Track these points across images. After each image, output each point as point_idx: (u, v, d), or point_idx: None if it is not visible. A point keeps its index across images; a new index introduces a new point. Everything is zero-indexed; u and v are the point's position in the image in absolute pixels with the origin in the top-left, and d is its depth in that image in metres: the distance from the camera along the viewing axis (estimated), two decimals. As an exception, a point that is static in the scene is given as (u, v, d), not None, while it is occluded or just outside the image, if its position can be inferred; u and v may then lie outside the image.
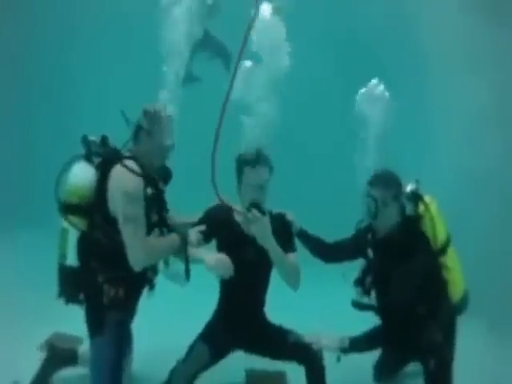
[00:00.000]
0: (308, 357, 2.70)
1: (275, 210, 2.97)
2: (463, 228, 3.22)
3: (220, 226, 2.80)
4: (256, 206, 2.60)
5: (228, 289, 2.78)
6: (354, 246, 3.08)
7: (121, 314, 2.62)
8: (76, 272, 2.59)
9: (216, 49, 7.48)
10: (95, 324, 2.60)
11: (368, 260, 2.96)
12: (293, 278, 2.72)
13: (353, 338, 2.72)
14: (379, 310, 2.89)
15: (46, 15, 8.13)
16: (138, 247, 2.49)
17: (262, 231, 2.56)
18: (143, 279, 2.72)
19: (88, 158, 2.62)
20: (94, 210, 2.56)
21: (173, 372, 2.65)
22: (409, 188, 2.93)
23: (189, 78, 7.51)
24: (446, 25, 6.12)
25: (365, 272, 2.95)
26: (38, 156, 7.51)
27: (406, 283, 2.68)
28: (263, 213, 2.59)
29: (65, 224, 2.59)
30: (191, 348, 2.78)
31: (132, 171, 2.48)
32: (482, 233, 5.11)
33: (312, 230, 3.19)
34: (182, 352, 2.78)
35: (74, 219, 2.56)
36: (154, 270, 2.78)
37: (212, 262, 2.54)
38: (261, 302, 2.96)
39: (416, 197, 2.89)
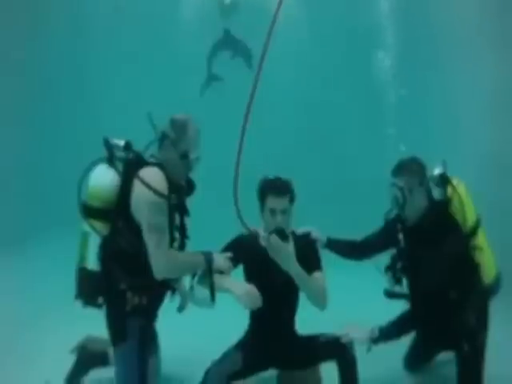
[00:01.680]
0: (338, 350, 2.65)
1: (299, 229, 2.96)
2: (489, 213, 3.08)
3: (247, 252, 2.81)
4: (279, 231, 2.57)
5: (258, 312, 2.75)
6: (385, 238, 3.02)
7: (144, 319, 2.62)
8: (96, 276, 2.58)
9: (237, 47, 7.48)
10: (118, 330, 2.60)
11: (398, 248, 2.89)
12: (319, 300, 2.69)
13: (382, 327, 2.70)
14: (411, 297, 2.83)
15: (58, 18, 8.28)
16: (161, 257, 2.48)
17: (284, 257, 2.54)
18: (166, 285, 2.71)
19: (110, 161, 2.60)
20: (116, 215, 2.54)
21: (208, 371, 2.63)
22: (436, 171, 2.86)
23: (210, 78, 7.61)
24: (465, 7, 5.95)
25: (395, 259, 2.88)
26: (56, 160, 7.67)
27: (438, 267, 2.64)
28: (286, 237, 2.57)
29: (86, 227, 2.58)
30: (226, 353, 2.76)
31: (157, 180, 2.45)
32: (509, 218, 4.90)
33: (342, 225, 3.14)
34: (210, 352, 2.75)
35: (96, 223, 2.55)
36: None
37: (241, 294, 2.53)
38: (291, 323, 2.93)
39: (444, 180, 2.82)
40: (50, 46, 8.04)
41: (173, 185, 2.56)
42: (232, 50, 7.51)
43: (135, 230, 2.50)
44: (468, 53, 5.94)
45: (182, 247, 2.76)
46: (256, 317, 2.84)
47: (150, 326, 2.77)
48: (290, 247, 2.55)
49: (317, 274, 2.72)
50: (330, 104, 8.02)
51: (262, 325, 2.84)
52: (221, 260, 2.67)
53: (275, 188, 2.69)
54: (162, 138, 2.64)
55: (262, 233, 2.73)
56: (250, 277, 2.82)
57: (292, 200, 2.74)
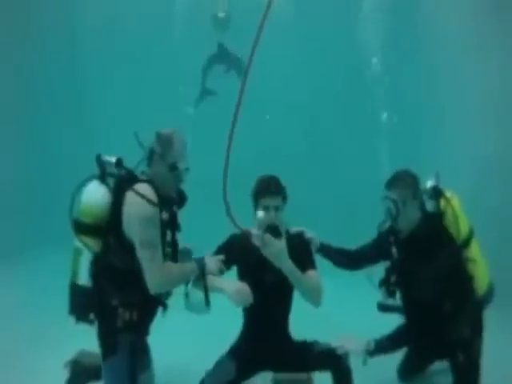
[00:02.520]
0: (334, 361, 2.65)
1: (293, 228, 2.97)
2: (482, 218, 3.12)
3: (239, 252, 2.83)
4: (272, 228, 2.58)
5: (251, 312, 2.77)
6: (377, 250, 3.04)
7: (134, 335, 2.62)
8: (88, 292, 2.59)
9: (231, 61, 7.53)
10: (108, 346, 2.60)
11: (392, 260, 2.90)
12: (313, 297, 2.68)
13: (378, 339, 2.71)
14: (405, 310, 2.84)
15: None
16: (155, 272, 2.49)
17: (277, 255, 2.53)
18: (157, 301, 2.71)
19: (102, 178, 2.63)
20: (108, 231, 2.56)
21: (202, 382, 2.62)
22: (429, 184, 2.89)
23: (205, 92, 7.64)
24: (463, 7, 6.06)
25: (389, 272, 2.89)
26: (54, 175, 7.59)
27: (432, 279, 2.64)
28: (279, 234, 2.57)
29: (78, 243, 2.59)
30: (219, 362, 2.76)
31: (146, 198, 2.47)
32: (504, 222, 4.95)
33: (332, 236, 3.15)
34: (203, 365, 2.75)
35: (87, 240, 2.57)
36: (167, 292, 2.78)
37: (232, 292, 2.55)
38: (285, 323, 2.92)
39: (437, 192, 2.85)
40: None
41: (163, 199, 2.58)
42: (226, 64, 7.56)
43: (127, 246, 2.52)
44: (467, 55, 5.99)
45: (173, 261, 2.75)
46: (249, 316, 2.84)
47: (141, 341, 2.76)
48: (282, 244, 2.53)
49: (311, 272, 2.72)
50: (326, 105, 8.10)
51: (255, 325, 2.84)
52: (212, 264, 2.70)
53: (269, 187, 2.71)
54: (150, 153, 2.67)
55: (254, 232, 2.71)
56: (243, 277, 2.81)
57: (284, 199, 2.76)
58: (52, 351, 3.74)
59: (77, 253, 2.60)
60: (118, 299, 2.55)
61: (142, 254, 2.48)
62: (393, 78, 6.99)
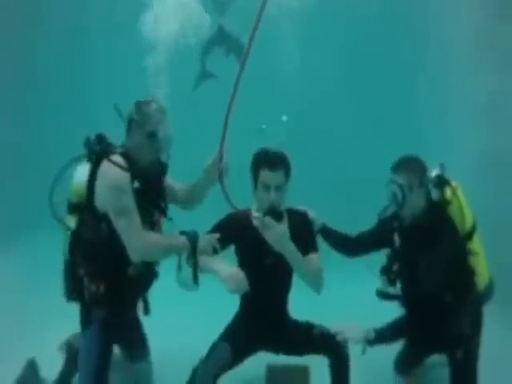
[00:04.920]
0: (332, 347, 2.61)
1: (296, 207, 2.88)
2: (484, 213, 3.10)
3: (238, 232, 2.72)
4: (273, 210, 2.49)
5: (249, 292, 2.70)
6: (379, 236, 2.99)
7: (105, 311, 2.59)
8: (65, 269, 2.62)
9: (231, 44, 7.40)
10: (82, 319, 2.63)
11: (394, 248, 2.86)
12: (315, 281, 2.63)
13: (378, 329, 2.64)
14: (405, 299, 2.80)
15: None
16: (134, 238, 2.46)
17: (278, 238, 2.44)
18: (125, 275, 2.63)
19: (89, 157, 2.60)
20: (83, 206, 2.54)
21: (195, 371, 2.57)
22: (434, 173, 2.84)
23: (203, 75, 7.52)
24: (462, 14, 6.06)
25: (391, 260, 2.85)
26: (52, 159, 7.52)
27: (434, 270, 2.59)
28: (281, 216, 2.50)
29: (69, 223, 2.59)
30: (213, 347, 2.69)
31: (116, 165, 2.45)
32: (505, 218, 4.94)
33: (332, 222, 3.11)
34: (200, 350, 2.70)
35: (68, 218, 2.58)
36: (148, 276, 2.77)
37: (226, 277, 2.45)
38: (283, 304, 2.88)
39: (442, 181, 2.80)
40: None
41: (137, 168, 2.56)
42: (225, 47, 7.44)
43: (98, 218, 2.50)
44: (466, 57, 6.01)
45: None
46: (247, 296, 2.72)
47: (116, 318, 2.68)
48: (284, 228, 2.46)
49: (312, 255, 2.66)
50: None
51: (253, 305, 2.77)
52: (205, 241, 2.61)
53: (269, 161, 2.58)
54: (129, 123, 2.63)
55: (254, 212, 2.63)
56: (241, 257, 2.75)
57: (287, 174, 2.63)
58: (50, 334, 3.67)
59: (66, 232, 2.59)
60: (83, 269, 2.54)
61: (118, 223, 2.45)
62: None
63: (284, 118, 7.15)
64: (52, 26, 7.92)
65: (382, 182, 2.81)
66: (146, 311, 2.85)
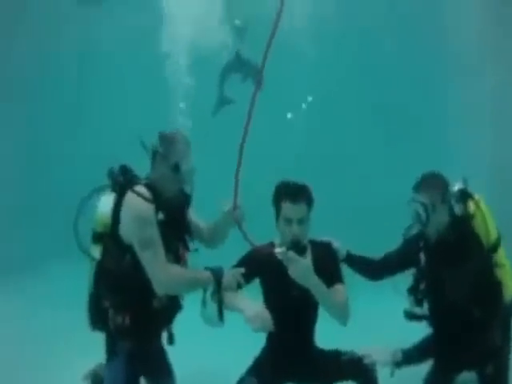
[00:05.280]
0: (360, 371, 2.53)
1: (319, 238, 2.85)
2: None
3: (262, 266, 2.68)
4: (296, 244, 2.46)
5: (276, 325, 2.66)
6: (405, 257, 2.93)
7: (130, 343, 2.57)
8: (90, 299, 2.63)
9: (249, 70, 7.48)
10: (107, 351, 2.62)
11: (420, 267, 2.80)
12: (340, 314, 2.57)
13: (405, 350, 2.58)
14: (432, 318, 2.74)
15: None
16: (158, 270, 2.46)
17: (301, 273, 2.40)
18: (159, 309, 2.63)
19: (113, 187, 2.63)
20: (107, 237, 2.55)
21: None
22: (456, 187, 2.79)
23: (222, 101, 7.61)
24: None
25: (418, 279, 2.80)
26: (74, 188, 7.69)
27: (462, 285, 2.53)
28: (304, 249, 2.47)
29: (94, 253, 2.61)
30: (240, 382, 2.63)
31: (140, 196, 2.47)
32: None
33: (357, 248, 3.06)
34: (226, 382, 2.68)
35: (93, 248, 2.59)
36: (173, 309, 2.75)
37: (251, 317, 2.39)
38: (310, 335, 2.81)
39: (465, 195, 2.76)
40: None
41: (162, 200, 2.56)
42: (243, 73, 7.53)
43: (123, 248, 2.50)
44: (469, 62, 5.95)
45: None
46: (274, 333, 2.65)
47: (143, 348, 2.67)
48: (307, 262, 2.43)
49: (338, 287, 2.61)
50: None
51: (279, 340, 2.71)
52: (230, 276, 2.58)
53: (291, 193, 2.54)
54: (153, 155, 2.65)
55: (277, 245, 2.60)
56: (266, 289, 2.71)
57: (310, 206, 2.59)
58: (74, 363, 3.67)
59: (92, 262, 2.61)
60: (108, 301, 2.54)
61: (143, 255, 2.46)
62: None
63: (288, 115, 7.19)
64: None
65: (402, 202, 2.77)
66: (171, 341, 2.83)
